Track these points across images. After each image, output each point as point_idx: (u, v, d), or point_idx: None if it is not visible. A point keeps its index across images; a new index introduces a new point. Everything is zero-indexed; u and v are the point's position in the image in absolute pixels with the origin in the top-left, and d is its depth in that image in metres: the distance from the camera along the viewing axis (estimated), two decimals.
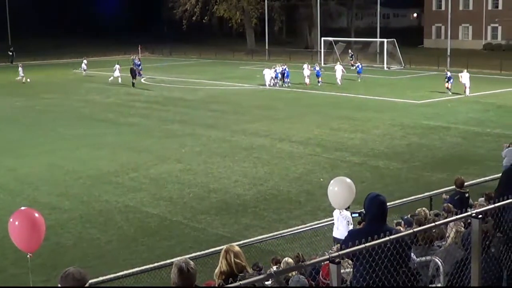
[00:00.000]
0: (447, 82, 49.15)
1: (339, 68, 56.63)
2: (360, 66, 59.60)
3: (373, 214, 7.73)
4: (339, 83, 55.45)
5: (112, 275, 15.61)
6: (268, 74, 55.62)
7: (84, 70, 67.65)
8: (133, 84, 56.73)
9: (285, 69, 56.69)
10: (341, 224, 15.19)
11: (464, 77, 48.40)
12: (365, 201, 7.87)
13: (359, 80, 57.72)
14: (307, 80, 56.05)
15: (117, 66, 60.73)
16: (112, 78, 60.07)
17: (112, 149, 31.89)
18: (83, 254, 18.48)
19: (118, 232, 20.32)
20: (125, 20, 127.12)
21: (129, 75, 57.38)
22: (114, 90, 55.49)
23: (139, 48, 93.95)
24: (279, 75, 55.86)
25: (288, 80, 56.17)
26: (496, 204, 8.29)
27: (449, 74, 49.55)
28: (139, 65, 65.22)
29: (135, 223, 21.05)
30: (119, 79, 59.44)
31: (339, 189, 7.33)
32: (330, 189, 7.36)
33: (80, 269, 6.40)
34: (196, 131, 35.98)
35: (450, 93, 48.54)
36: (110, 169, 27.84)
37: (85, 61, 68.73)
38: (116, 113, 42.70)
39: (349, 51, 74.02)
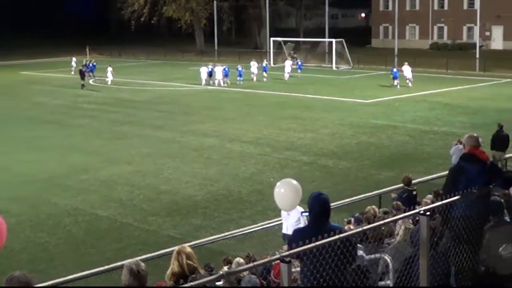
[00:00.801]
0: (393, 79, 52.45)
1: (288, 64, 59.54)
2: (299, 63, 62.41)
3: (315, 212, 7.83)
4: (286, 79, 57.92)
5: (61, 279, 15.44)
6: (204, 72, 57.00)
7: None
8: (82, 85, 56.11)
9: (225, 68, 57.39)
10: (292, 221, 15.26)
11: (406, 70, 52.22)
12: (308, 200, 7.97)
13: (299, 77, 59.74)
14: (254, 78, 57.94)
15: (110, 69, 60.04)
16: (109, 80, 59.25)
17: (61, 151, 31.52)
18: (32, 258, 18.24)
19: (67, 235, 20.11)
20: (74, 21, 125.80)
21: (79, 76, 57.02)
22: (62, 91, 54.87)
23: (88, 49, 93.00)
24: (220, 74, 56.37)
25: (241, 78, 57.48)
26: (443, 201, 8.43)
27: (395, 70, 52.47)
28: (94, 66, 65.38)
29: (85, 226, 20.85)
30: (109, 81, 59.02)
31: (285, 191, 7.37)
32: (276, 191, 7.40)
33: (26, 273, 6.33)
34: (146, 132, 35.78)
35: (399, 88, 50.86)
36: (59, 171, 27.53)
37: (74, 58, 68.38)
38: (64, 115, 42.21)
39: (290, 52, 74.45)
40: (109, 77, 59.18)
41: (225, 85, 56.10)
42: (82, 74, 57.07)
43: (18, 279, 6.21)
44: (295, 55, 71.78)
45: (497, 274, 9.42)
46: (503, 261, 9.28)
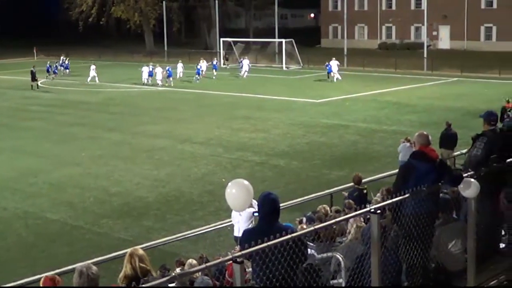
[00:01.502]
0: (328, 72, 58.09)
1: (245, 63, 62.81)
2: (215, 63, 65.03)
3: (264, 212, 7.86)
4: (245, 76, 61.54)
5: (12, 284, 15.21)
6: (146, 71, 58.38)
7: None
8: (32, 86, 55.65)
9: (168, 69, 58.16)
10: (243, 222, 15.27)
11: (333, 65, 57.73)
12: (258, 200, 8.00)
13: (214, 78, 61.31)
14: (203, 74, 60.83)
15: (93, 66, 60.91)
16: (89, 78, 59.68)
17: (9, 154, 31.04)
18: None
19: (18, 239, 19.82)
20: (21, 22, 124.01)
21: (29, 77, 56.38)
22: (11, 93, 54.06)
23: (35, 51, 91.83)
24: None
25: (199, 77, 59.60)
26: (394, 199, 8.53)
27: (328, 64, 58.24)
28: (66, 66, 68.07)
29: (35, 230, 20.58)
30: (96, 79, 59.55)
31: (237, 191, 7.38)
32: (227, 192, 7.40)
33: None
34: (96, 134, 35.46)
35: (330, 81, 57.04)
36: (8, 175, 27.10)
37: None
38: (12, 118, 41.56)
39: (224, 53, 75.11)
40: (91, 75, 60.07)
41: (167, 85, 56.61)
42: (33, 75, 56.29)
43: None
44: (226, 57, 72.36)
45: (447, 270, 9.58)
46: (452, 257, 9.45)
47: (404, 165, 9.68)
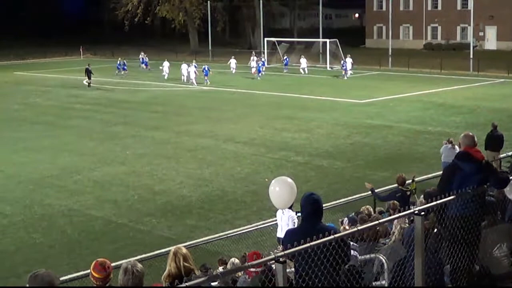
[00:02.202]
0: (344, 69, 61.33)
1: (303, 61, 65.69)
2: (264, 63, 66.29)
3: (307, 212, 7.85)
4: (303, 73, 64.68)
5: (67, 276, 15.38)
6: (185, 69, 59.40)
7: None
8: (88, 84, 56.98)
9: (204, 68, 58.95)
10: (285, 224, 15.24)
11: (348, 62, 61.07)
12: (301, 201, 8.00)
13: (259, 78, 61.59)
14: (253, 70, 62.20)
15: (167, 63, 63.86)
16: (166, 74, 62.40)
17: (53, 152, 31.42)
18: (26, 259, 18.17)
19: (62, 236, 20.05)
20: (66, 21, 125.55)
21: (85, 75, 57.86)
22: (55, 92, 54.78)
23: (81, 50, 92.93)
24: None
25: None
26: (438, 201, 8.42)
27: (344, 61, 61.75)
28: (146, 63, 71.54)
29: (79, 227, 20.80)
30: (166, 75, 62.23)
31: (280, 189, 7.40)
32: (271, 189, 7.43)
33: (50, 272, 6.38)
34: (139, 133, 35.71)
35: (344, 77, 60.30)
36: (52, 172, 27.45)
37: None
38: (56, 116, 42.09)
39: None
40: (166, 71, 62.63)
41: (205, 83, 57.19)
42: (88, 73, 57.61)
43: (41, 277, 6.24)
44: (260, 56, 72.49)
45: (491, 273, 9.43)
46: (497, 260, 9.30)
47: (448, 166, 9.54)
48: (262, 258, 6.78)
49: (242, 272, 10.86)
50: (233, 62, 65.77)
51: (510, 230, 9.26)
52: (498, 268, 9.33)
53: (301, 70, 65.07)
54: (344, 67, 61.13)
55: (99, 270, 7.59)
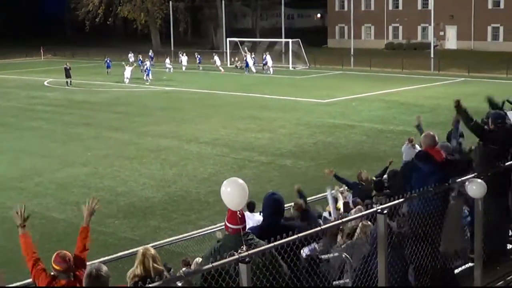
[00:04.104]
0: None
1: (269, 58, 66.84)
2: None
3: (268, 212, 7.90)
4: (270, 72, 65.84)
5: (18, 283, 15.20)
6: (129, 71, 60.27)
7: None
8: (67, 83, 57.86)
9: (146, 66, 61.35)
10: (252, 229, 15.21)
11: (268, 59, 65.76)
12: (263, 200, 8.05)
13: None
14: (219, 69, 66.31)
15: (185, 57, 70.11)
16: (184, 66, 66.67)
17: (14, 154, 31.03)
18: None
19: None
20: (26, 21, 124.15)
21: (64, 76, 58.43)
22: (15, 93, 54.12)
23: (41, 50, 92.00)
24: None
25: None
26: (400, 200, 8.48)
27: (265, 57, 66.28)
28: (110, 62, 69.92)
29: (41, 229, 20.55)
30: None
31: (232, 189, 7.44)
32: (222, 190, 7.47)
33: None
34: (102, 134, 35.46)
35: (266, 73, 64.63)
36: (13, 174, 27.12)
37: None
38: (17, 117, 41.57)
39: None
40: (184, 63, 67.31)
41: (147, 84, 58.55)
42: (67, 72, 58.19)
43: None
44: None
45: (453, 271, 9.53)
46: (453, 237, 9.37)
47: (406, 165, 9.69)
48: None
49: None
50: (184, 59, 68.93)
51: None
52: (451, 245, 9.38)
53: (268, 68, 66.04)
54: (265, 63, 66.02)
55: (59, 262, 7.58)
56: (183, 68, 68.59)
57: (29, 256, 8.25)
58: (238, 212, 7.22)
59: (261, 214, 8.30)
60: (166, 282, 6.18)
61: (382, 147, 30.80)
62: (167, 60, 69.92)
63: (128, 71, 59.48)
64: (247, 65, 67.34)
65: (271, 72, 65.45)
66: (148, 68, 60.25)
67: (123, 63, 64.08)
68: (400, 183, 9.11)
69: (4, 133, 36.28)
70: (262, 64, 67.85)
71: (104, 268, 7.10)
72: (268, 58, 66.96)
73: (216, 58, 69.15)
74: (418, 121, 18.24)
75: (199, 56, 72.34)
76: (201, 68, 70.27)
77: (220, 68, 67.82)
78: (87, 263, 7.98)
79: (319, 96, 47.81)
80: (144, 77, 59.32)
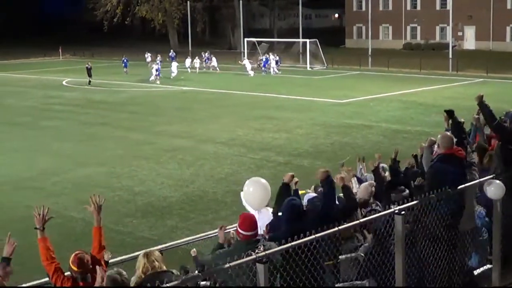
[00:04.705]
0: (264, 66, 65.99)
1: (247, 62, 67.30)
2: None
3: (286, 217, 7.93)
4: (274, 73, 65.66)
5: (34, 282, 15.25)
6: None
7: None
8: (89, 82, 58.34)
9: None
10: (263, 225, 15.16)
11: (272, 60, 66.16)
12: (283, 206, 8.08)
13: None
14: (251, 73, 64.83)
15: (214, 58, 70.44)
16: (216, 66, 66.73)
17: (31, 153, 31.16)
18: None
19: None
20: (44, 21, 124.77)
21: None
22: (33, 93, 54.40)
23: (60, 50, 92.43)
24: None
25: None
26: (417, 201, 8.42)
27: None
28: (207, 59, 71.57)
29: (58, 229, 20.61)
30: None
31: (254, 190, 7.46)
32: (245, 190, 7.49)
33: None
34: (118, 133, 35.55)
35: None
36: (30, 173, 27.21)
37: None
38: (34, 117, 41.77)
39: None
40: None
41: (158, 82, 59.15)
42: (88, 71, 58.68)
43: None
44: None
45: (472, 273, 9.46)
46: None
47: (434, 169, 9.48)
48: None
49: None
50: (197, 62, 68.90)
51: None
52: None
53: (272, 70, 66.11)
54: (267, 63, 66.03)
55: (77, 263, 7.62)
56: (188, 70, 68.43)
57: (48, 261, 8.26)
58: (250, 219, 7.23)
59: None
60: (183, 282, 6.17)
61: (399, 148, 30.62)
62: (187, 60, 69.81)
63: (174, 66, 62.13)
64: (264, 65, 67.16)
65: (274, 73, 65.76)
66: (158, 68, 60.34)
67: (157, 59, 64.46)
68: (431, 186, 8.94)
69: (21, 133, 36.44)
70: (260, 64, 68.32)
71: (124, 272, 7.17)
72: (271, 58, 67.18)
73: (246, 61, 68.52)
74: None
75: (210, 56, 72.33)
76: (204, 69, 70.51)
77: (250, 71, 65.99)
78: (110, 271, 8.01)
79: (336, 96, 47.71)
80: (152, 77, 59.56)
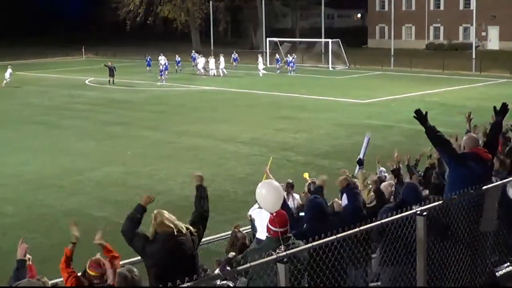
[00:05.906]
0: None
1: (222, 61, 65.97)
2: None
3: (308, 216, 7.90)
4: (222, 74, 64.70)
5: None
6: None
7: (6, 80, 58.51)
8: (109, 81, 58.46)
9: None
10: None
11: (221, 62, 64.57)
12: (305, 204, 8.09)
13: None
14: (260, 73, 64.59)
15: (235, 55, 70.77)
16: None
17: (53, 152, 31.32)
18: None
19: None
20: (67, 20, 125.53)
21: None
22: (55, 92, 54.66)
23: (83, 50, 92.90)
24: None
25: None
26: (439, 202, 8.34)
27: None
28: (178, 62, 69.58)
29: (80, 227, 20.59)
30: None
31: (267, 192, 7.46)
32: (257, 192, 7.51)
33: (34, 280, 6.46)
34: (139, 133, 35.64)
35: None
36: (52, 172, 27.36)
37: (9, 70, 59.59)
38: (56, 116, 41.98)
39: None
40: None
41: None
42: (110, 71, 58.84)
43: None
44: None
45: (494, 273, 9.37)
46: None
47: (458, 170, 9.40)
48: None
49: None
50: (212, 61, 66.86)
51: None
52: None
53: (220, 71, 65.21)
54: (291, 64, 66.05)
55: (94, 267, 7.64)
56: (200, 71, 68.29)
57: (66, 269, 8.28)
58: (281, 215, 7.25)
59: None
60: (202, 281, 6.16)
61: (420, 148, 30.41)
62: (211, 60, 69.11)
63: (211, 63, 63.44)
64: (288, 64, 67.03)
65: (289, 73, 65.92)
66: (166, 67, 60.66)
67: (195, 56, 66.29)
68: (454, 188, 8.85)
69: (44, 132, 36.66)
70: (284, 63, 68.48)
71: (135, 269, 7.17)
72: (222, 59, 66.27)
73: (260, 59, 68.30)
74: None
75: (235, 56, 72.26)
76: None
77: (261, 70, 65.83)
78: (125, 260, 8.02)
79: (358, 96, 47.56)
80: (158, 76, 59.86)
